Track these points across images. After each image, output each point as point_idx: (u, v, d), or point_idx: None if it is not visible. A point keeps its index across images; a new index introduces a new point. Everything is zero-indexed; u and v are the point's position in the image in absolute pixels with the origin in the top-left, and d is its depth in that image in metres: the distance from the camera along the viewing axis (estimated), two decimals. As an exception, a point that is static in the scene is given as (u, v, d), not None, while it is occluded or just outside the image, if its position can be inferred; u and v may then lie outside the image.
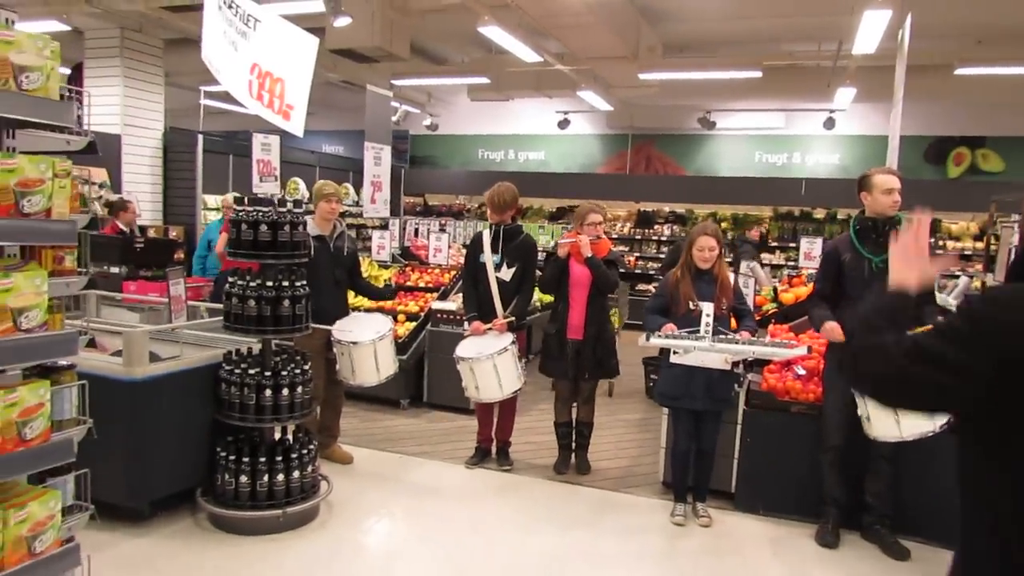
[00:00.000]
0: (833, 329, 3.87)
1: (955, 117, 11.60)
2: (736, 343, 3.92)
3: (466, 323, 5.08)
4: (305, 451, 4.12)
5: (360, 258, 5.41)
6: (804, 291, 5.48)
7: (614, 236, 12.90)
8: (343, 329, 4.69)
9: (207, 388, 4.08)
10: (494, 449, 5.29)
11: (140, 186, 9.12)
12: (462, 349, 4.75)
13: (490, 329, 4.90)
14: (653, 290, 8.60)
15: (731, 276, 4.32)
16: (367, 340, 4.60)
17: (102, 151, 8.01)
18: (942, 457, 3.93)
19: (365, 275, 7.14)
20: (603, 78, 10.55)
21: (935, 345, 1.34)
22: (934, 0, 7.49)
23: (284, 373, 3.99)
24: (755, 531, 4.26)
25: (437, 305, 6.57)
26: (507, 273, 5.04)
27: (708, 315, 4.08)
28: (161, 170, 9.54)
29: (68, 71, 9.75)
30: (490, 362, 4.61)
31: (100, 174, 8.37)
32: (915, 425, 3.58)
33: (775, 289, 5.80)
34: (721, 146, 13.41)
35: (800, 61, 9.45)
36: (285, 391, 3.98)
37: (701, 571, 3.82)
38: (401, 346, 6.26)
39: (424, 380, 6.56)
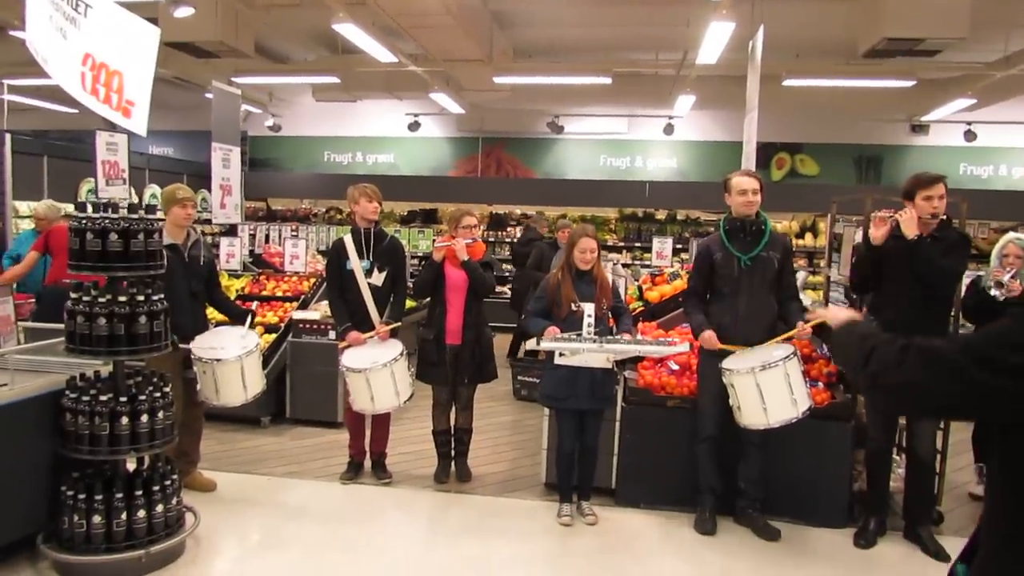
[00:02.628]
0: (710, 338, 4.05)
1: (777, 125, 12.63)
2: (622, 343, 3.99)
3: (335, 334, 4.82)
4: (168, 482, 3.73)
5: (217, 269, 5.00)
6: (668, 289, 5.71)
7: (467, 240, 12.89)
8: (205, 346, 4.30)
9: (45, 420, 3.59)
10: (369, 462, 5.08)
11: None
12: (351, 360, 4.51)
13: (370, 337, 4.69)
14: (509, 291, 8.69)
15: (610, 277, 4.40)
16: (233, 357, 4.26)
17: None
18: (804, 442, 4.23)
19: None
20: (456, 80, 10.52)
21: (996, 352, 1.33)
22: (762, 16, 8.10)
23: (142, 398, 3.59)
24: (639, 525, 4.37)
25: (299, 315, 6.23)
26: (379, 278, 4.85)
27: (590, 315, 4.13)
28: (-41, 173, 8.38)
29: None
30: (387, 370, 4.42)
31: None
32: (780, 412, 3.82)
33: (640, 288, 6.00)
34: (568, 150, 13.79)
35: (645, 69, 9.91)
36: (144, 417, 3.59)
37: (595, 570, 3.85)
38: (261, 361, 5.86)
39: (287, 395, 6.19)
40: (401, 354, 4.56)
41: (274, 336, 6.18)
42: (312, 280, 6.98)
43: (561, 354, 4.09)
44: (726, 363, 3.95)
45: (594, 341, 3.98)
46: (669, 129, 12.64)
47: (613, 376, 4.35)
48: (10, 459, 3.46)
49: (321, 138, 14.38)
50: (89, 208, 3.51)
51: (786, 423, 3.83)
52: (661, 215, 12.84)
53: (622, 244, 12.48)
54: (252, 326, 4.83)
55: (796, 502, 4.32)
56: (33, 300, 6.32)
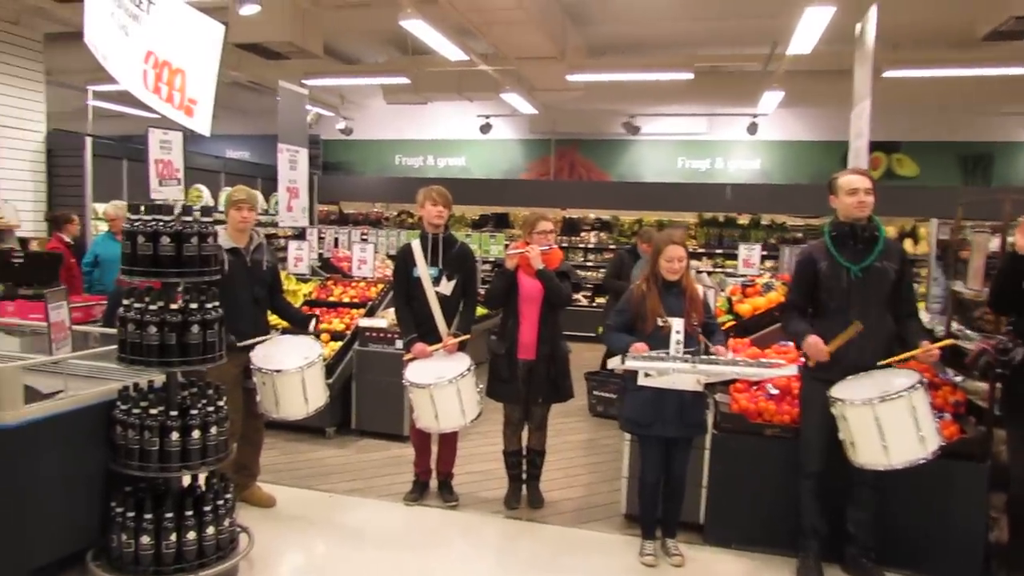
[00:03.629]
0: (816, 344, 3.55)
1: (871, 122, 11.82)
2: (719, 363, 3.54)
3: (400, 344, 4.53)
4: (220, 501, 3.48)
5: (280, 274, 4.78)
6: (762, 302, 5.20)
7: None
8: (265, 355, 4.06)
9: (99, 431, 3.40)
10: (435, 482, 4.77)
11: (20, 193, 8.09)
12: (414, 375, 4.21)
13: (437, 350, 4.38)
14: (578, 295, 8.08)
15: (700, 289, 3.96)
16: (293, 368, 4.00)
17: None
18: (928, 482, 3.68)
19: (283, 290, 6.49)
20: (528, 79, 10.18)
21: None
22: (860, 4, 7.47)
23: (195, 412, 3.35)
24: (733, 569, 3.89)
25: (365, 323, 5.98)
26: (447, 287, 4.53)
27: (679, 332, 3.70)
28: (45, 176, 8.53)
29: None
30: (453, 387, 4.10)
31: (-30, 180, 7.35)
32: (904, 451, 3.30)
33: (729, 300, 5.51)
34: (644, 152, 13.29)
35: (729, 64, 9.35)
36: (196, 433, 3.35)
37: (683, 619, 3.42)
38: (326, 369, 5.62)
39: (352, 405, 5.94)
40: (468, 369, 4.23)
41: (340, 344, 5.96)
42: (380, 286, 6.74)
43: (647, 374, 3.67)
44: (837, 391, 3.44)
45: (686, 360, 3.55)
46: (753, 128, 11.99)
47: (704, 400, 3.91)
48: (63, 471, 3.28)
49: (392, 141, 14.29)
50: (142, 210, 3.30)
51: (911, 464, 3.31)
52: (744, 220, 12.18)
53: (702, 250, 11.89)
54: (316, 334, 4.59)
55: (917, 552, 3.77)
56: (107, 302, 6.29)
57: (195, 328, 3.31)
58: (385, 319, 6.02)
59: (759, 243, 7.94)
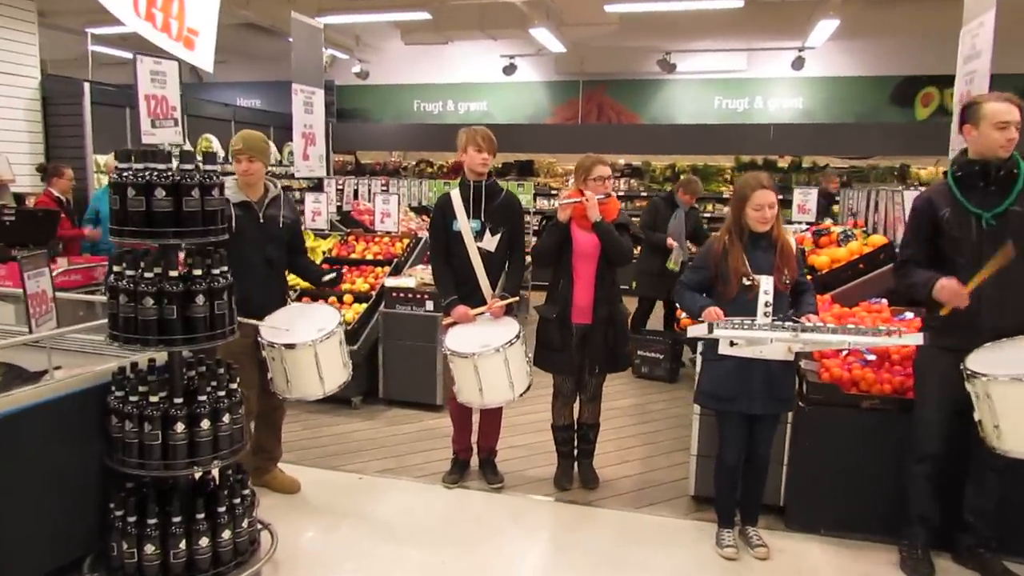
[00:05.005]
0: (950, 286, 2.92)
1: (922, 54, 10.92)
2: (823, 332, 2.96)
3: (435, 306, 3.99)
4: (237, 500, 3.00)
5: (301, 230, 4.20)
6: (841, 253, 4.58)
7: (566, 191, 11.88)
8: (275, 327, 3.53)
9: (92, 421, 2.90)
10: (475, 459, 4.28)
11: (14, 144, 7.54)
12: (455, 342, 3.69)
13: (480, 314, 3.84)
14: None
15: (792, 240, 3.36)
16: (306, 341, 3.46)
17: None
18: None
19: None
20: (557, 12, 9.39)
21: None
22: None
23: (203, 397, 2.84)
24: (825, 560, 3.37)
25: (391, 282, 5.43)
26: (491, 242, 3.96)
27: (767, 292, 3.13)
28: (41, 126, 7.96)
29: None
30: (500, 356, 3.57)
31: (-41, 130, 6.80)
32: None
33: (802, 251, 4.88)
34: (678, 92, 12.47)
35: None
36: (205, 422, 2.83)
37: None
38: (350, 334, 5.12)
39: (379, 373, 5.44)
40: (517, 336, 3.69)
41: (364, 306, 5.42)
42: (405, 241, 6.17)
43: (732, 343, 3.11)
44: (975, 363, 2.86)
45: (783, 328, 2.98)
46: (799, 63, 11.13)
47: (792, 370, 3.34)
48: (49, 470, 2.78)
49: (410, 86, 13.55)
50: (132, 158, 2.73)
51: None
52: (784, 162, 11.45)
53: (740, 196, 11.19)
54: (333, 283, 4.05)
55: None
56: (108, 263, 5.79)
57: (200, 299, 2.77)
58: (413, 278, 5.47)
59: (816, 187, 7.23)
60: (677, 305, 3.74)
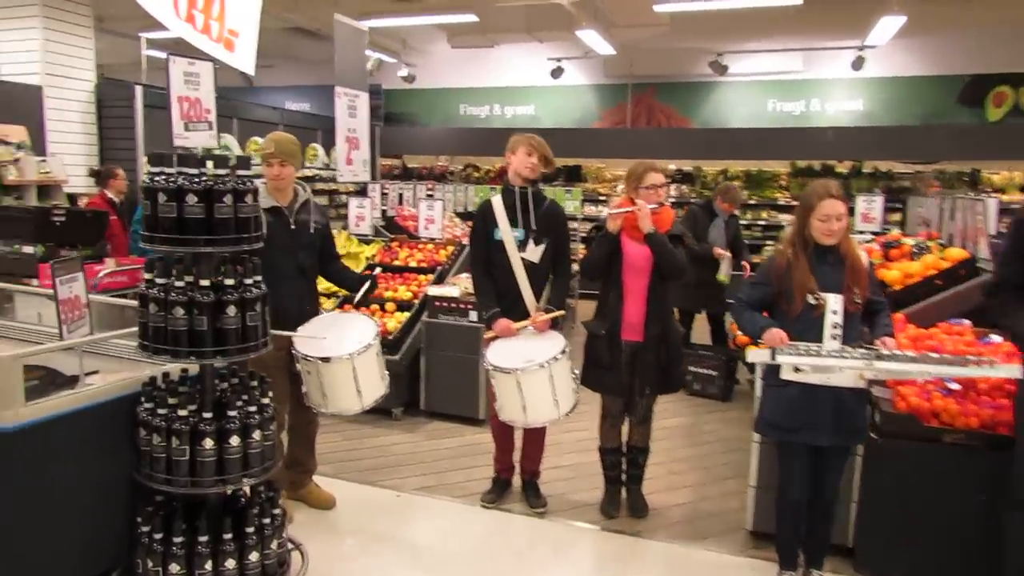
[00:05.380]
0: None
1: (993, 51, 10.38)
2: (901, 360, 2.69)
3: (475, 317, 3.82)
4: (267, 519, 2.86)
5: (333, 234, 4.07)
6: (915, 267, 4.27)
7: (616, 197, 11.64)
8: (310, 338, 3.39)
9: (121, 432, 2.79)
10: (517, 479, 4.09)
11: (69, 146, 7.62)
12: (499, 356, 3.50)
13: (523, 328, 3.66)
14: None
15: (864, 255, 3.09)
16: (343, 354, 3.31)
17: (19, 104, 6.54)
18: None
19: (343, 253, 5.84)
20: (606, 13, 9.16)
21: None
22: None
23: (233, 412, 2.70)
24: (899, 608, 3.10)
25: (434, 291, 5.28)
26: (535, 252, 3.77)
27: (835, 312, 2.87)
28: (96, 128, 8.04)
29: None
30: (545, 373, 3.37)
31: (16, 132, 6.87)
32: None
33: (871, 264, 4.57)
34: (730, 94, 12.12)
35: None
36: (235, 439, 2.70)
37: None
38: (392, 344, 4.99)
39: (421, 384, 5.29)
40: (563, 352, 3.48)
41: (407, 315, 5.28)
42: (450, 248, 6.02)
43: (798, 368, 2.86)
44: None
45: (854, 356, 2.72)
46: (859, 63, 10.67)
47: (864, 398, 3.07)
48: (76, 482, 2.67)
49: (457, 89, 13.45)
50: (163, 163, 2.61)
51: None
52: (843, 167, 11.00)
53: (795, 203, 10.78)
54: (369, 292, 3.89)
55: None
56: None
57: (231, 309, 2.64)
58: (457, 287, 5.31)
59: (881, 194, 6.85)
60: (733, 321, 3.49)
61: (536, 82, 12.74)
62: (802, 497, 3.09)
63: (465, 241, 6.15)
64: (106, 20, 10.02)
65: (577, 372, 3.66)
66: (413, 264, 5.92)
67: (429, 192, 8.35)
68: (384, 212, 7.23)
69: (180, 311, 2.58)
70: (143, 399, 2.75)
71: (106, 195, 6.22)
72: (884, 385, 3.40)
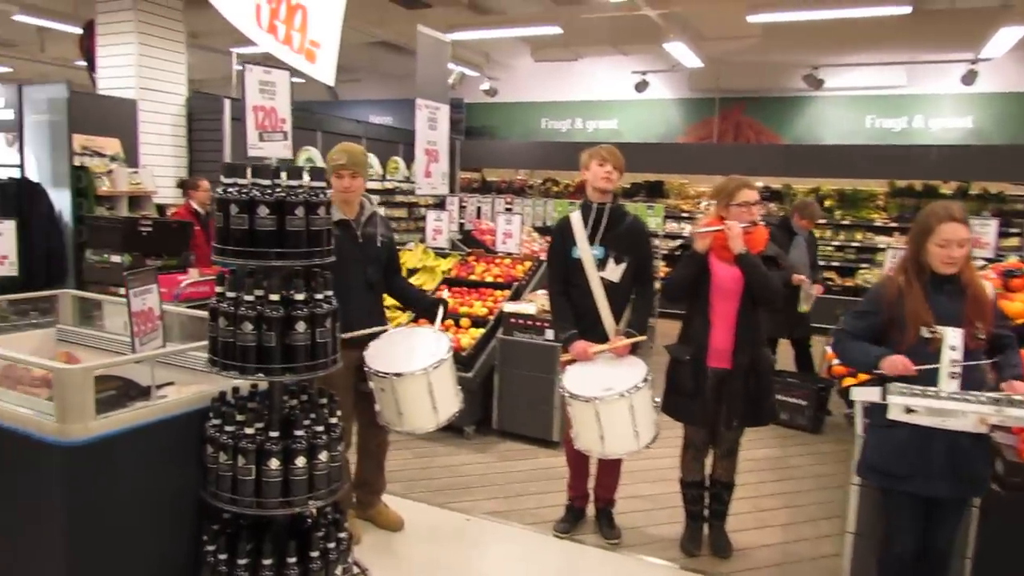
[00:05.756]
0: None
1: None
2: (1035, 404, 2.38)
3: (551, 335, 3.65)
4: (332, 544, 2.76)
5: (411, 247, 3.98)
6: (1041, 298, 3.87)
7: (699, 216, 11.28)
8: (381, 354, 3.30)
9: (190, 448, 2.74)
10: (591, 507, 3.88)
11: (160, 158, 7.88)
12: (576, 382, 3.33)
13: (602, 352, 3.47)
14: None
15: (988, 285, 2.77)
16: (417, 370, 3.21)
17: (115, 117, 6.79)
18: None
19: (419, 266, 5.79)
20: (695, 26, 8.90)
21: None
22: None
23: (299, 433, 2.61)
24: None
25: (510, 307, 5.14)
26: (615, 271, 3.58)
27: (954, 347, 2.57)
28: (186, 141, 8.30)
29: (80, 31, 8.59)
30: (625, 403, 3.18)
31: (111, 144, 7.15)
32: None
33: (995, 295, 4.17)
34: (824, 109, 11.61)
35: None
36: (301, 459, 2.61)
37: None
38: (466, 360, 4.87)
39: (494, 402, 5.15)
40: (645, 380, 3.28)
41: (481, 331, 5.16)
42: (527, 264, 5.88)
43: (910, 408, 2.57)
44: None
45: (979, 400, 2.42)
46: (970, 77, 10.03)
47: (986, 444, 2.74)
48: (144, 497, 2.63)
49: (539, 103, 13.38)
50: (235, 174, 2.56)
51: None
52: (948, 188, 10.34)
53: (894, 224, 10.23)
54: (443, 320, 3.76)
55: None
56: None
57: (301, 325, 2.56)
58: (533, 303, 5.16)
59: (995, 217, 6.34)
60: (834, 351, 3.20)
61: (619, 96, 12.54)
62: (909, 552, 2.78)
63: (543, 257, 6.01)
64: (199, 36, 10.39)
65: (658, 400, 3.46)
66: (489, 279, 5.80)
67: (508, 206, 8.25)
68: (462, 225, 7.16)
69: (249, 326, 2.51)
70: (211, 415, 2.69)
71: (190, 205, 6.36)
72: (1009, 431, 3.04)
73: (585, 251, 3.59)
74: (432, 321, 3.68)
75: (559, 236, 3.70)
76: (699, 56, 10.03)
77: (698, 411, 3.47)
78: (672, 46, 9.22)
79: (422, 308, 3.86)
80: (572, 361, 3.53)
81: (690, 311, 3.52)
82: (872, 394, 2.52)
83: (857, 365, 2.86)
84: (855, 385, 2.69)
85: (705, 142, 12.25)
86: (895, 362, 2.60)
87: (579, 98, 13.05)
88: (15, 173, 6.12)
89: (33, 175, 6.22)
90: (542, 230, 8.38)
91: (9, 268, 4.09)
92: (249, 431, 2.57)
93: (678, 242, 10.44)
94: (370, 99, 14.11)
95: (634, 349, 3.56)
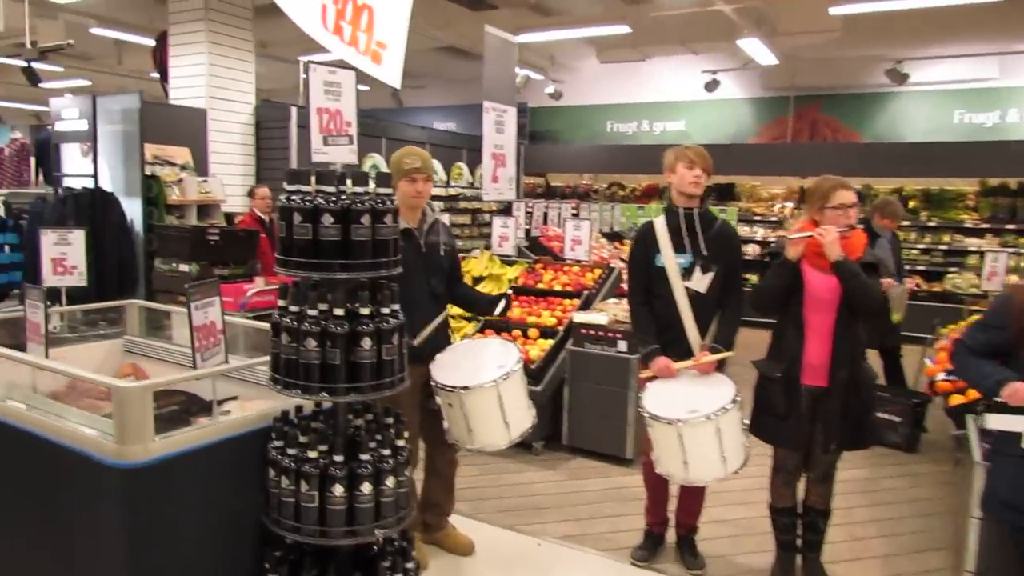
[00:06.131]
0: None
1: None
2: None
3: (624, 347, 3.43)
4: (400, 574, 2.59)
5: (476, 254, 3.80)
6: None
7: (772, 219, 10.84)
8: (447, 367, 3.13)
9: (254, 469, 2.61)
10: (671, 533, 3.62)
11: (229, 167, 7.95)
12: (656, 403, 3.09)
13: (686, 369, 3.23)
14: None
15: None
16: (486, 382, 3.03)
17: (186, 126, 6.84)
18: None
19: (485, 274, 5.62)
20: (770, 20, 8.51)
21: None
22: None
23: (365, 457, 2.45)
24: None
25: (581, 317, 4.92)
26: (702, 281, 3.33)
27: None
28: (254, 149, 8.36)
29: (153, 42, 8.76)
30: (711, 426, 2.93)
31: (181, 153, 7.22)
32: None
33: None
34: (907, 105, 11.01)
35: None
36: (366, 485, 2.45)
37: None
38: (534, 373, 4.67)
39: (563, 417, 4.93)
40: (734, 401, 3.01)
41: (551, 342, 4.95)
42: (597, 272, 5.64)
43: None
44: None
45: None
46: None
47: None
48: (208, 520, 2.51)
49: (604, 106, 13.12)
50: (299, 180, 2.42)
51: None
52: (1047, 187, 9.64)
53: (985, 226, 9.60)
54: (504, 311, 3.54)
55: None
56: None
57: (366, 342, 2.40)
58: (605, 313, 4.92)
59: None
60: (952, 363, 2.86)
61: (687, 96, 12.18)
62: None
63: (613, 264, 5.78)
64: (268, 46, 10.51)
65: (746, 422, 3.19)
66: (558, 288, 5.58)
67: (574, 211, 8.02)
68: (528, 231, 6.97)
69: (312, 342, 2.37)
70: (274, 435, 2.55)
71: (255, 213, 6.34)
72: None
73: (670, 259, 3.35)
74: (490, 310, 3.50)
75: (641, 243, 3.47)
76: (774, 52, 9.61)
77: (791, 433, 3.18)
78: (746, 42, 8.84)
79: (487, 305, 3.63)
80: (653, 378, 3.30)
81: (781, 323, 3.24)
82: (1014, 422, 2.21)
83: (975, 386, 2.55)
84: (986, 410, 2.36)
85: (779, 142, 11.78)
86: (1018, 391, 2.28)
87: (646, 99, 12.74)
88: (89, 183, 6.20)
89: (106, 184, 6.31)
90: (610, 236, 8.13)
91: (78, 278, 4.08)
92: (312, 454, 2.42)
93: (757, 246, 10.06)
94: (433, 105, 14.08)
95: (720, 366, 3.30)
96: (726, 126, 12.19)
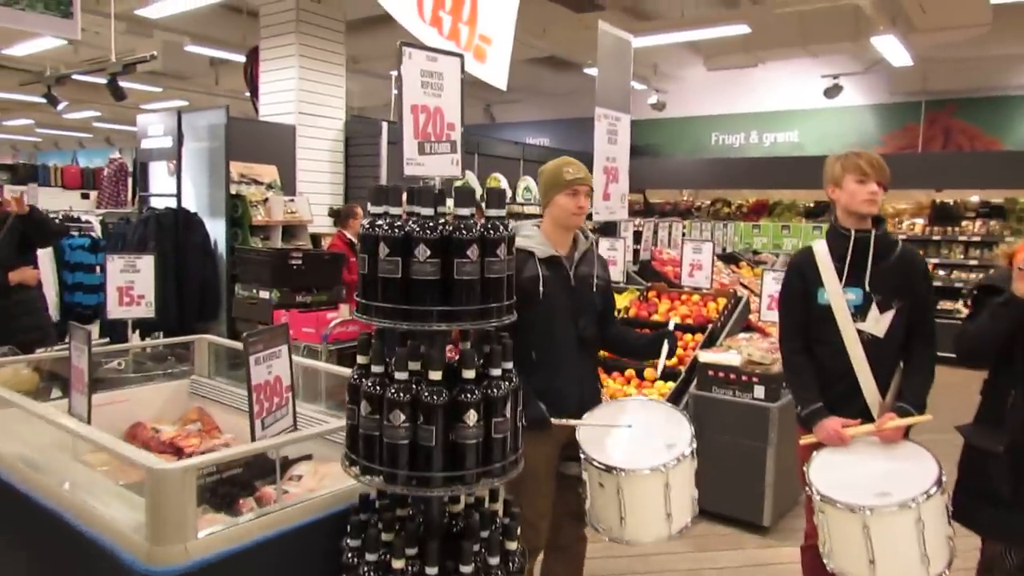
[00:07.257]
0: None
1: None
2: None
3: (762, 394, 2.70)
4: None
5: (614, 293, 3.09)
6: None
7: (902, 236, 9.74)
8: (599, 435, 2.49)
9: (324, 568, 2.04)
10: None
11: (317, 186, 7.62)
12: (829, 481, 2.40)
13: (863, 435, 2.51)
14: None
15: None
16: (655, 466, 2.37)
17: (274, 144, 6.50)
18: None
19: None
20: (908, 16, 7.56)
21: None
22: None
23: (467, 569, 1.83)
24: None
25: (707, 357, 4.20)
26: (879, 322, 2.59)
27: None
28: (343, 167, 8.02)
29: (243, 58, 8.58)
30: (911, 516, 2.21)
31: (268, 172, 6.91)
32: None
33: None
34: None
35: None
36: (467, 592, 1.84)
37: None
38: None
39: (688, 474, 4.21)
40: (938, 482, 2.27)
41: (671, 385, 4.26)
42: (721, 301, 4.90)
43: None
44: None
45: None
46: None
47: None
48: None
49: (709, 117, 12.30)
50: (386, 200, 1.85)
51: None
52: None
53: None
54: (670, 356, 2.81)
55: None
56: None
57: (471, 416, 1.79)
58: (736, 352, 4.19)
59: None
60: None
61: (802, 104, 11.24)
62: None
63: (740, 292, 5.03)
64: (360, 61, 10.25)
65: (949, 507, 2.41)
66: (676, 320, 4.87)
67: (683, 232, 7.28)
68: (637, 254, 6.28)
69: (400, 416, 1.78)
70: (349, 531, 1.98)
71: (345, 235, 5.92)
72: None
73: (836, 295, 2.62)
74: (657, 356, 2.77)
75: (797, 274, 2.75)
76: (909, 53, 8.60)
77: (1016, 526, 2.39)
78: (881, 40, 7.89)
79: (647, 347, 2.91)
80: (818, 446, 2.58)
81: (1001, 378, 2.47)
82: None
83: None
84: None
85: (907, 152, 10.66)
86: None
87: (755, 109, 11.85)
88: (172, 203, 5.92)
89: (190, 204, 6.02)
90: (724, 258, 7.34)
91: (146, 309, 3.67)
92: (398, 564, 1.83)
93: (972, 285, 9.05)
94: (525, 120, 13.59)
95: (906, 432, 2.55)
96: (846, 135, 11.14)
